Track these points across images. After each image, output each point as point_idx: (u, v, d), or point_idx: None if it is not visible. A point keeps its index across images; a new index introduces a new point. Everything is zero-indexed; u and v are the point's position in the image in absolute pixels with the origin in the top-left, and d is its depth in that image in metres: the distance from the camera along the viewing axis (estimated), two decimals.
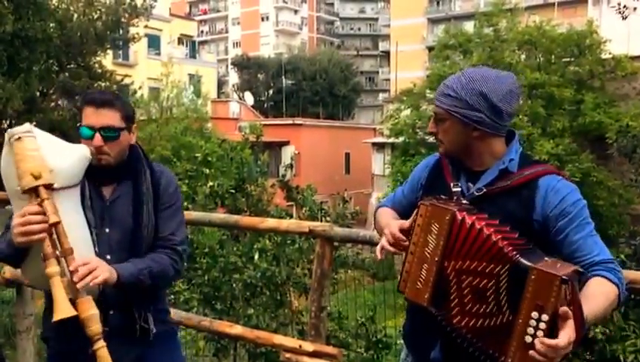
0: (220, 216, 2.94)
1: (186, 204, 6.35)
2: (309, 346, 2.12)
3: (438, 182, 1.33)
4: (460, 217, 1.17)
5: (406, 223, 1.28)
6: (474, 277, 1.15)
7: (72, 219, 1.39)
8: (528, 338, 1.06)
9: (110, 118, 1.46)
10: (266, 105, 37.23)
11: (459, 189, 1.29)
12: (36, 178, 1.30)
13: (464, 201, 1.25)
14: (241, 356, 4.57)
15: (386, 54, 39.58)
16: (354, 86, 38.79)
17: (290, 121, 24.52)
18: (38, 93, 10.51)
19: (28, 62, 9.90)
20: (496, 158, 1.28)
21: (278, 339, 2.28)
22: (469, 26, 16.21)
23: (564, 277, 1.04)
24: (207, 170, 7.52)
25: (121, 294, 1.44)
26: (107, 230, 1.48)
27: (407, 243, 1.25)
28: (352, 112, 40.17)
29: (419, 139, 13.76)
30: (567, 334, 1.02)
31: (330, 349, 2.16)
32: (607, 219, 10.47)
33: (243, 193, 6.84)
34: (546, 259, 1.12)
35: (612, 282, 1.15)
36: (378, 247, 1.31)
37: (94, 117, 1.45)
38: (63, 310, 1.26)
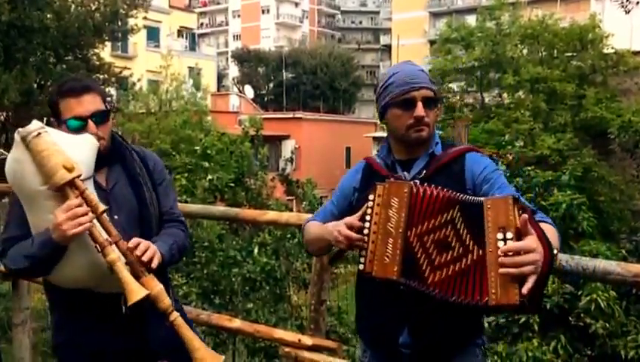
0: (220, 208, 2.91)
1: (185, 197, 6.30)
2: (308, 340, 2.09)
3: (375, 179, 1.36)
4: (415, 187, 1.25)
5: (355, 218, 1.30)
6: (434, 234, 1.20)
7: None
8: (503, 259, 1.09)
9: (96, 102, 1.45)
10: (266, 99, 37.08)
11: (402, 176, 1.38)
12: (70, 170, 1.28)
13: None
14: (240, 351, 4.56)
15: (388, 48, 39.40)
16: (355, 80, 38.62)
17: (290, 115, 24.41)
18: (35, 85, 10.41)
19: (24, 52, 9.80)
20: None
21: (278, 333, 2.25)
22: (471, 20, 16.11)
23: (514, 196, 1.14)
24: (207, 164, 7.47)
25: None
26: (115, 216, 1.46)
27: (361, 236, 1.27)
28: (353, 106, 40.04)
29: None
30: (530, 239, 1.08)
31: (329, 343, 2.13)
32: (608, 215, 10.42)
33: (243, 187, 6.80)
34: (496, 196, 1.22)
35: (549, 223, 1.26)
36: (340, 238, 1.30)
37: (80, 106, 1.43)
38: (135, 292, 1.25)
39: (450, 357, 1.32)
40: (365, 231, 1.27)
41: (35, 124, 1.32)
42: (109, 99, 1.56)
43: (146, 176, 1.51)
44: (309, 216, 1.70)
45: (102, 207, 1.31)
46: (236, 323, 2.36)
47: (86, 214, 1.28)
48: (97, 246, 1.29)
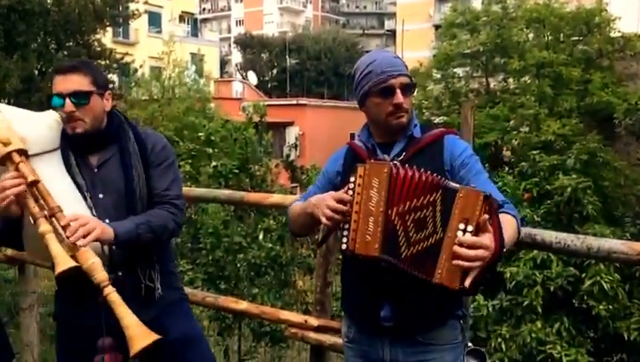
0: (225, 192, 2.92)
1: (189, 183, 6.32)
2: (314, 321, 2.11)
3: (356, 163, 1.39)
4: (395, 168, 1.30)
5: (340, 193, 1.33)
6: (415, 213, 1.27)
7: (58, 183, 1.40)
8: (456, 248, 1.16)
9: (78, 82, 1.45)
10: (269, 85, 36.87)
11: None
12: (5, 145, 1.31)
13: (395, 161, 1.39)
14: (245, 335, 4.60)
15: (392, 33, 38.95)
16: None
17: (294, 102, 24.28)
18: (36, 72, 10.40)
19: (25, 36, 9.77)
20: None
21: (284, 315, 2.27)
22: (476, 4, 15.88)
23: (486, 193, 1.20)
24: (211, 150, 7.47)
25: (127, 254, 1.44)
26: (101, 195, 1.48)
27: (347, 208, 1.31)
28: None
29: (425, 119, 13.63)
30: (486, 237, 1.16)
31: (335, 324, 2.15)
32: (613, 200, 10.38)
33: (247, 173, 6.81)
34: (472, 186, 1.27)
35: (512, 215, 1.32)
36: (323, 220, 1.32)
37: (62, 84, 1.45)
38: (62, 263, 1.25)
39: (430, 328, 1.39)
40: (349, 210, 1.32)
41: None
42: (111, 85, 1.53)
43: (137, 157, 1.49)
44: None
45: (33, 177, 1.31)
46: (243, 305, 2.39)
47: (16, 185, 1.29)
48: (31, 217, 1.31)
